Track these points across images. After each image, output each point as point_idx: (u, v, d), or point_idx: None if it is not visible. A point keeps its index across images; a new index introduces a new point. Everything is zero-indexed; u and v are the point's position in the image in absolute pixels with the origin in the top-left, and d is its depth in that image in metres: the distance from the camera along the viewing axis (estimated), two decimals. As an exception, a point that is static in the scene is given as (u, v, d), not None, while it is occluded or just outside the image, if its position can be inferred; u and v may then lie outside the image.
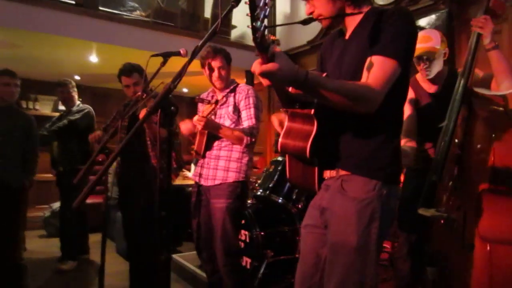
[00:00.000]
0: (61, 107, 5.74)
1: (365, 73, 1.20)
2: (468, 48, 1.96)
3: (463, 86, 1.91)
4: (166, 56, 2.23)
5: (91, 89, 5.23)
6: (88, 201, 3.90)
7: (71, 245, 3.82)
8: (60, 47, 4.11)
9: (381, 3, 3.97)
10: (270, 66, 1.04)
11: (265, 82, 1.10)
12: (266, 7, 0.99)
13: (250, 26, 0.98)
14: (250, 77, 4.98)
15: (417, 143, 2.19)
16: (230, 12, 1.30)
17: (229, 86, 2.57)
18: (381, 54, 1.18)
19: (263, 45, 1.02)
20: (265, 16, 0.99)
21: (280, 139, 1.34)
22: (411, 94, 2.27)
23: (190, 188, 4.84)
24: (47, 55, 4.38)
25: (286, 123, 1.35)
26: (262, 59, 1.06)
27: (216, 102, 2.33)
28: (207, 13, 4.88)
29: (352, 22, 1.34)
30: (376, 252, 1.26)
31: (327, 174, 1.38)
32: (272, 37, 1.09)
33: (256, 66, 1.07)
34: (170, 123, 1.31)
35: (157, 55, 2.24)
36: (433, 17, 3.43)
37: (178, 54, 2.31)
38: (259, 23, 0.97)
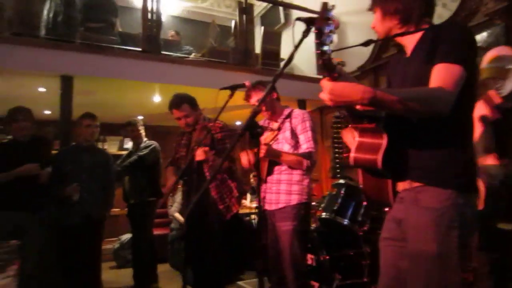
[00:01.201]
0: (126, 146, 6.20)
1: (432, 79, 1.25)
2: None
3: None
4: (233, 89, 2.43)
5: (153, 127, 5.59)
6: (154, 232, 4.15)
7: (143, 275, 4.01)
8: (127, 91, 4.50)
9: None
10: (329, 85, 1.15)
11: (332, 102, 1.18)
12: (331, 33, 1.12)
13: (317, 51, 1.12)
14: (302, 106, 5.12)
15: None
16: (301, 42, 1.46)
17: (284, 112, 2.70)
18: (445, 61, 1.24)
19: (329, 67, 1.13)
20: (330, 42, 1.13)
21: (352, 154, 1.41)
22: (484, 110, 2.26)
23: (248, 218, 5.02)
24: (115, 98, 4.79)
25: (356, 139, 1.42)
26: (329, 80, 1.16)
27: (279, 129, 2.47)
28: (257, 49, 5.13)
29: (411, 40, 1.43)
30: (458, 261, 1.25)
31: (400, 186, 1.41)
32: (337, 59, 1.20)
33: (324, 85, 1.17)
34: (256, 143, 1.44)
35: (225, 88, 2.44)
36: (488, 33, 3.38)
37: (243, 86, 2.51)
38: (325, 47, 1.12)
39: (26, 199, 2.97)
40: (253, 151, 2.62)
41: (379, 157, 1.31)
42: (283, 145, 2.60)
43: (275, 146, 2.57)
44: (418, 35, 1.41)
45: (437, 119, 1.24)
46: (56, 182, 3.15)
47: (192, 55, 4.98)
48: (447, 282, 1.25)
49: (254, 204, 5.12)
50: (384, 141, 1.32)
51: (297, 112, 2.68)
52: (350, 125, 1.46)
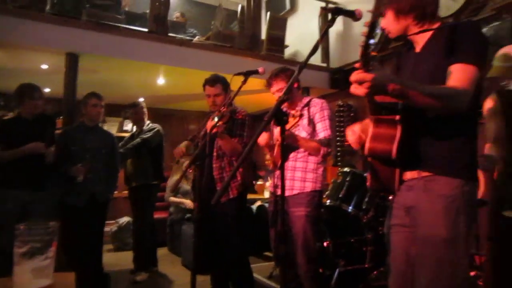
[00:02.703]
0: (126, 128, 6.12)
1: (449, 79, 1.31)
2: None
3: None
4: (247, 74, 2.41)
5: (154, 110, 5.52)
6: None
7: (143, 258, 4.00)
8: (131, 71, 4.44)
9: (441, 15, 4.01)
10: (370, 75, 1.18)
11: (362, 91, 1.22)
12: (378, 30, 1.19)
13: (363, 44, 1.19)
14: (305, 93, 5.11)
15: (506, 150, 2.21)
16: (327, 32, 1.47)
17: (303, 100, 2.71)
18: (463, 62, 1.30)
19: (367, 59, 1.19)
20: (375, 37, 1.18)
21: (367, 144, 1.44)
22: (498, 103, 2.30)
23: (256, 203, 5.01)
24: (118, 78, 4.72)
25: (371, 129, 1.45)
26: (363, 70, 1.21)
27: (301, 115, 2.46)
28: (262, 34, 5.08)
29: (422, 37, 1.47)
30: (466, 246, 1.34)
31: (408, 175, 1.47)
32: (373, 53, 1.22)
33: (355, 75, 1.21)
34: (282, 131, 1.44)
35: (239, 74, 2.42)
36: (496, 26, 3.43)
37: (256, 72, 2.48)
38: (372, 41, 1.18)
39: (32, 178, 2.93)
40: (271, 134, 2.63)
41: (394, 147, 1.36)
42: (301, 132, 2.63)
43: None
44: (429, 32, 1.46)
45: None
46: (62, 162, 3.10)
47: (197, 38, 4.91)
48: (455, 265, 1.32)
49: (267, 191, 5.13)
50: (398, 132, 1.37)
51: (316, 101, 2.70)
52: (369, 116, 1.48)
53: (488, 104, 2.34)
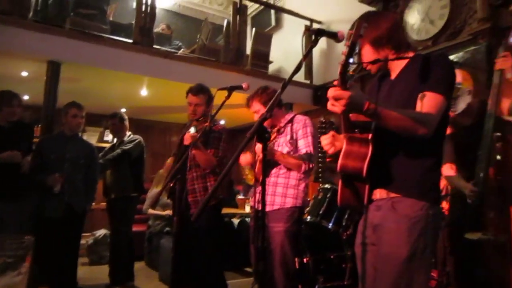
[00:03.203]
0: (106, 138, 6.02)
1: (419, 104, 1.40)
2: (493, 84, 2.17)
3: (494, 116, 2.10)
4: (230, 89, 2.43)
5: (135, 121, 5.48)
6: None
7: (120, 272, 3.89)
8: (114, 81, 4.40)
9: (416, 37, 4.13)
10: (347, 92, 1.23)
11: (339, 108, 1.27)
12: (356, 51, 1.25)
13: (343, 63, 1.25)
14: (289, 109, 5.15)
15: (459, 172, 2.32)
16: (310, 51, 1.52)
17: (286, 117, 2.73)
18: (433, 91, 1.40)
19: (345, 78, 1.25)
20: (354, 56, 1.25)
21: (339, 160, 1.48)
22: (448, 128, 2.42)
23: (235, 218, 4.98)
24: (100, 88, 4.66)
25: (344, 146, 1.49)
26: (340, 88, 1.25)
27: (278, 131, 2.48)
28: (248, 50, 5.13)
29: (397, 65, 1.57)
30: (426, 266, 1.41)
31: (377, 194, 1.52)
32: (351, 72, 1.27)
33: (333, 92, 1.26)
34: (264, 148, 1.45)
35: (223, 88, 2.44)
36: (472, 50, 3.56)
37: (240, 88, 2.50)
38: (351, 60, 1.23)
39: (6, 188, 2.85)
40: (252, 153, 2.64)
41: (365, 166, 1.40)
42: (283, 148, 2.64)
43: (275, 148, 2.61)
44: (404, 61, 1.56)
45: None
46: (38, 171, 3.02)
47: (182, 50, 4.92)
48: (414, 282, 1.38)
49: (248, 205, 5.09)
50: (369, 151, 1.42)
51: (299, 117, 2.73)
52: (343, 133, 1.52)
53: None
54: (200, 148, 2.68)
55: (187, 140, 2.63)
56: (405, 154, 1.46)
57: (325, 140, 1.60)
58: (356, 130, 1.49)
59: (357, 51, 1.24)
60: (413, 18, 4.18)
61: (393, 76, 1.59)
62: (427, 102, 1.38)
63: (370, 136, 1.44)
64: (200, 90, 2.87)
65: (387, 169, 1.48)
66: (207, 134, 2.75)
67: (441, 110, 1.39)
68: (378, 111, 1.29)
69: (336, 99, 1.25)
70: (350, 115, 1.49)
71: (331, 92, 1.26)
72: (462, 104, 2.35)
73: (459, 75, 2.34)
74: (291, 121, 2.70)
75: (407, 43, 1.58)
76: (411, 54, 1.56)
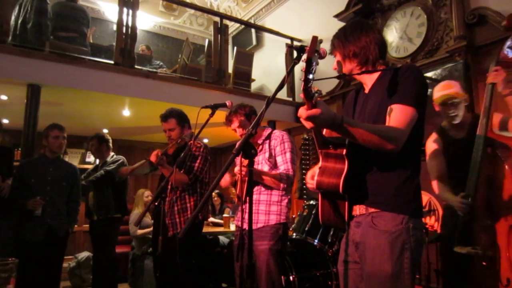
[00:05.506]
0: (88, 159, 5.96)
1: (388, 118, 1.40)
2: (484, 97, 2.19)
3: (484, 131, 2.12)
4: (214, 107, 2.46)
5: (117, 141, 5.44)
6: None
7: (103, 295, 3.82)
8: (96, 103, 4.38)
9: (394, 55, 4.25)
10: (314, 111, 1.23)
11: (308, 125, 1.28)
12: (315, 65, 1.23)
13: (303, 79, 1.22)
14: (272, 127, 5.20)
15: (450, 187, 2.34)
16: (293, 68, 1.54)
17: (263, 133, 2.72)
18: (401, 103, 1.39)
19: (310, 94, 1.22)
20: (314, 72, 1.22)
21: (316, 177, 1.49)
22: (439, 142, 2.45)
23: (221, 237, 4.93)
24: (82, 110, 4.63)
25: (320, 163, 1.51)
26: (307, 105, 1.25)
27: (255, 150, 2.50)
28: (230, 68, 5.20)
29: (370, 78, 1.58)
30: (410, 281, 1.37)
31: (357, 210, 1.52)
32: (315, 88, 1.27)
33: (302, 111, 1.26)
34: (250, 164, 1.47)
35: (206, 107, 2.47)
36: (450, 67, 3.66)
37: (224, 105, 2.53)
38: (310, 76, 1.21)
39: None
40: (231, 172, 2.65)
41: (340, 182, 1.40)
42: (263, 165, 2.63)
43: (255, 166, 2.59)
44: (376, 74, 1.56)
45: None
46: (19, 195, 2.98)
47: (163, 70, 4.95)
48: None
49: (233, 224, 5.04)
50: (345, 167, 1.42)
51: (277, 133, 2.71)
52: (318, 150, 1.53)
53: (429, 142, 2.50)
54: (165, 166, 2.72)
55: (152, 158, 2.70)
56: (379, 168, 1.45)
57: (309, 179, 1.59)
58: (330, 146, 1.49)
59: (314, 66, 1.24)
60: (391, 36, 4.30)
61: (367, 90, 1.61)
62: (395, 116, 1.38)
63: (344, 151, 1.43)
64: (168, 115, 2.94)
65: (363, 184, 1.47)
66: (186, 152, 2.75)
67: (410, 123, 1.37)
68: (344, 127, 1.28)
69: (306, 118, 1.25)
70: (324, 131, 1.51)
71: (300, 111, 1.26)
72: (462, 112, 2.32)
73: (457, 86, 2.37)
74: (268, 137, 2.69)
75: (374, 60, 1.55)
76: (381, 68, 1.57)
